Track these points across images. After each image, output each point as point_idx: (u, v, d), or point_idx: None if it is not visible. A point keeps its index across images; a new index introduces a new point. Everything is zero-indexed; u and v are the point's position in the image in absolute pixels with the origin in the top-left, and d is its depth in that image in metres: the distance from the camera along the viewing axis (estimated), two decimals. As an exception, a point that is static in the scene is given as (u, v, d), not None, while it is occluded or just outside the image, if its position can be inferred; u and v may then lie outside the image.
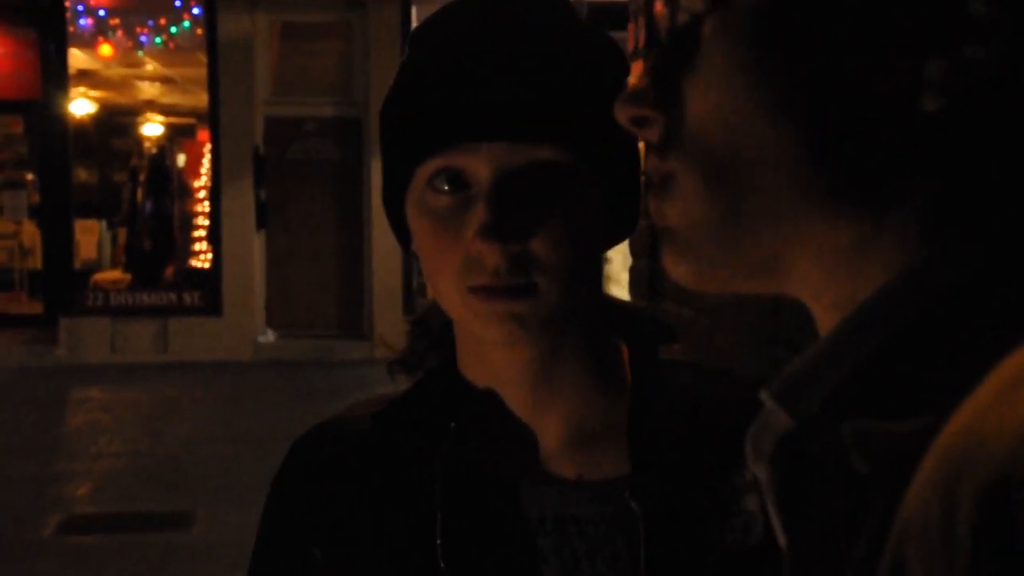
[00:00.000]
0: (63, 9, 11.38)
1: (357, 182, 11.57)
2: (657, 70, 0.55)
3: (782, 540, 0.49)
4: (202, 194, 12.11)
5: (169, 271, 12.09)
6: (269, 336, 11.53)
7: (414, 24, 11.37)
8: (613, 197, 0.93)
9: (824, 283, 0.52)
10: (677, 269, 0.55)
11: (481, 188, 0.89)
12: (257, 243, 11.54)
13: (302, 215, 11.70)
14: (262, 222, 11.51)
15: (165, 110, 13.66)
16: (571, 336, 0.95)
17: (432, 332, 1.03)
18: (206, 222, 11.87)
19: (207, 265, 11.76)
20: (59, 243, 11.64)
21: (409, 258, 11.50)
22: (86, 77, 12.49)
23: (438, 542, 0.93)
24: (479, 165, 0.89)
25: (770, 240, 0.52)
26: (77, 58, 11.81)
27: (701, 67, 0.53)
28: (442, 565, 0.92)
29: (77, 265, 11.88)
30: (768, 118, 0.50)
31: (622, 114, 0.56)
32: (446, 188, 0.90)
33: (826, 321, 0.52)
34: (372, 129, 11.33)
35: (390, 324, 11.30)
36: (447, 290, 0.92)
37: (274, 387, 9.88)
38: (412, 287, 11.56)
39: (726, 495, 0.91)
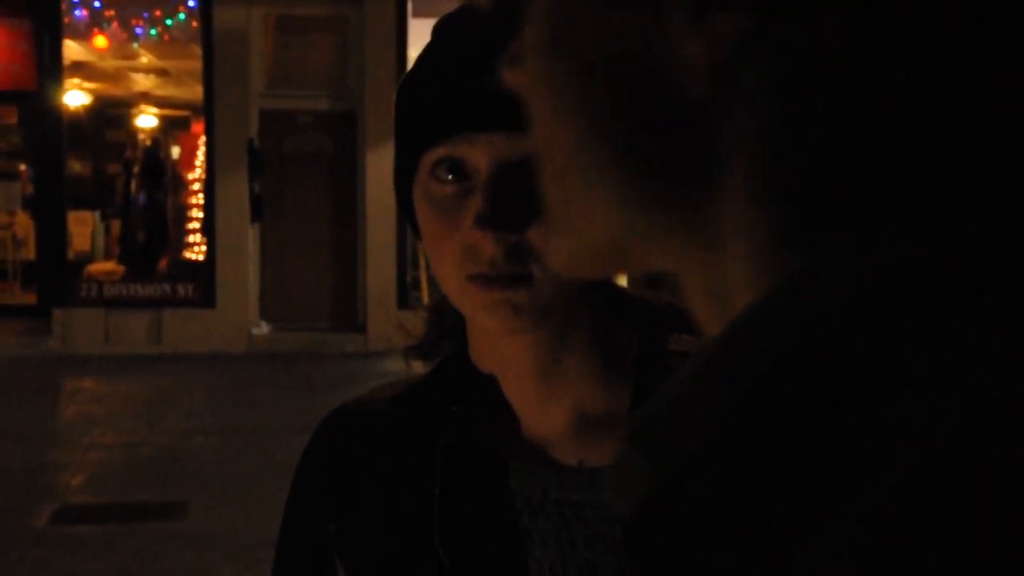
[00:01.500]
0: (58, 0, 11.36)
1: (352, 175, 11.57)
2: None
3: None
4: (196, 186, 12.10)
5: (163, 263, 12.09)
6: (263, 328, 11.54)
7: (410, 17, 11.38)
8: None
9: (682, 272, 0.49)
10: (549, 254, 0.53)
11: (480, 178, 0.90)
12: (251, 235, 11.54)
13: (297, 208, 11.71)
14: (256, 215, 11.50)
15: (159, 102, 13.65)
16: (577, 325, 0.96)
17: (446, 320, 1.04)
18: (200, 214, 11.86)
19: (201, 257, 11.76)
20: (53, 234, 11.64)
21: (404, 251, 11.52)
22: (81, 69, 12.48)
23: (434, 521, 0.95)
24: (478, 155, 0.90)
25: (604, 240, 0.49)
26: (72, 49, 11.80)
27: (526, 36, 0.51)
28: (438, 543, 0.94)
29: (70, 256, 11.88)
30: (562, 106, 0.48)
31: (507, 79, 0.55)
32: (449, 177, 0.91)
33: (699, 314, 0.49)
34: (367, 122, 11.33)
35: (384, 317, 11.31)
36: (447, 278, 0.94)
37: (267, 379, 9.89)
38: (406, 280, 11.57)
39: None
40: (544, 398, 0.97)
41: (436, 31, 0.98)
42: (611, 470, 0.44)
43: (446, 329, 1.05)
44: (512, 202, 0.88)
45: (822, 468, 0.37)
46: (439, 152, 0.91)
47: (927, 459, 0.35)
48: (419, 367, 1.09)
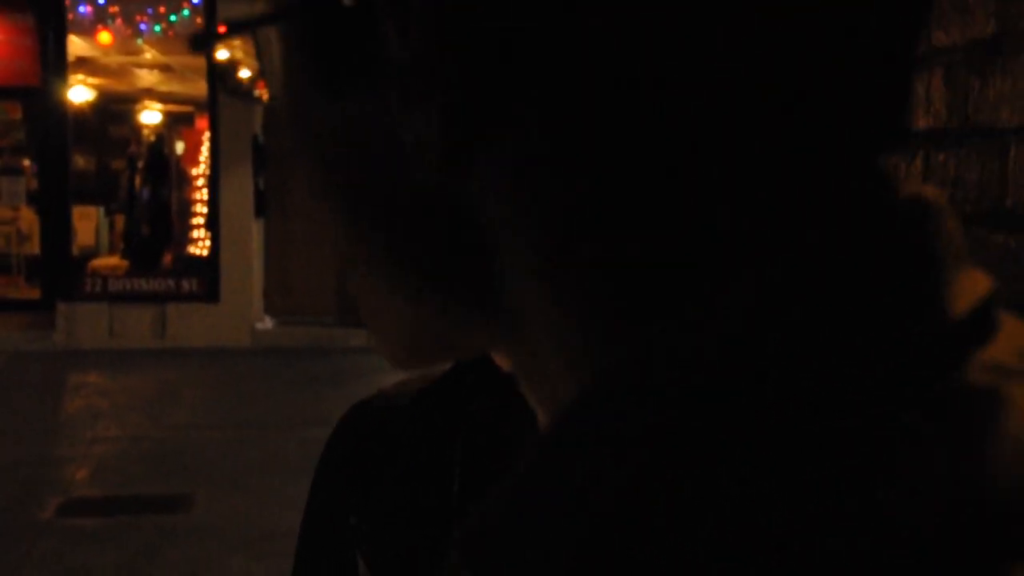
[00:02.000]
0: (63, -4, 11.39)
1: (355, 171, 11.58)
2: None
3: None
4: (200, 182, 12.12)
5: (167, 258, 12.11)
6: (267, 323, 11.56)
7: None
8: None
9: (507, 360, 0.45)
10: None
11: None
12: (255, 230, 11.56)
13: (301, 203, 11.72)
14: (260, 210, 11.52)
15: (164, 98, 13.66)
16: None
17: None
18: (204, 209, 11.89)
19: (205, 252, 11.78)
20: (57, 229, 11.66)
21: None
22: (85, 64, 12.49)
23: (453, 514, 0.96)
24: None
25: (407, 326, 0.44)
26: (76, 45, 11.81)
27: None
28: (456, 536, 0.95)
29: (75, 251, 11.89)
30: (322, 202, 0.45)
31: None
32: None
33: (534, 402, 0.46)
34: (371, 118, 11.34)
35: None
36: None
37: (271, 374, 9.91)
38: (409, 276, 11.58)
39: None
40: (540, 400, 0.99)
41: None
42: None
43: None
44: None
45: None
46: None
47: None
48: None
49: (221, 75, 0.52)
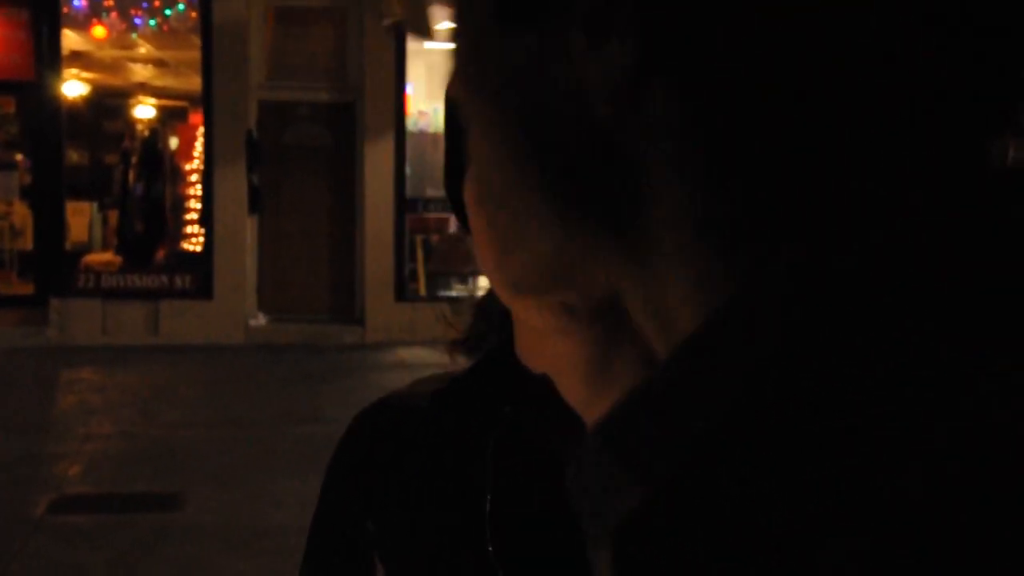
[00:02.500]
0: (57, -10, 11.35)
1: (350, 167, 11.57)
2: None
3: None
4: (194, 177, 12.09)
5: (160, 254, 12.08)
6: (260, 320, 11.54)
7: (409, 10, 11.37)
8: None
9: (625, 292, 0.49)
10: (491, 282, 0.53)
11: None
12: (249, 227, 11.53)
13: (295, 200, 11.70)
14: (254, 206, 11.50)
15: (158, 93, 13.64)
16: (629, 326, 0.95)
17: (492, 315, 1.02)
18: (198, 205, 11.86)
19: (199, 248, 11.76)
20: (50, 224, 11.63)
21: (401, 244, 11.52)
22: (79, 58, 12.46)
23: (486, 524, 0.94)
24: None
25: (538, 264, 0.49)
26: (70, 39, 11.78)
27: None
28: (490, 548, 0.92)
29: (68, 247, 11.87)
30: (486, 137, 0.49)
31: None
32: None
33: (647, 332, 0.50)
34: (366, 114, 11.32)
35: (381, 309, 11.31)
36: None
37: (265, 371, 9.89)
38: (404, 273, 11.57)
39: None
40: (593, 399, 0.96)
41: None
42: (582, 484, 0.44)
43: (493, 324, 1.02)
44: None
45: (820, 471, 0.37)
46: None
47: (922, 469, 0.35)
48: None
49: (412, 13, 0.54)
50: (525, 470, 0.95)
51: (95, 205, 12.87)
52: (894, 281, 0.39)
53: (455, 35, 0.49)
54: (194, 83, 11.97)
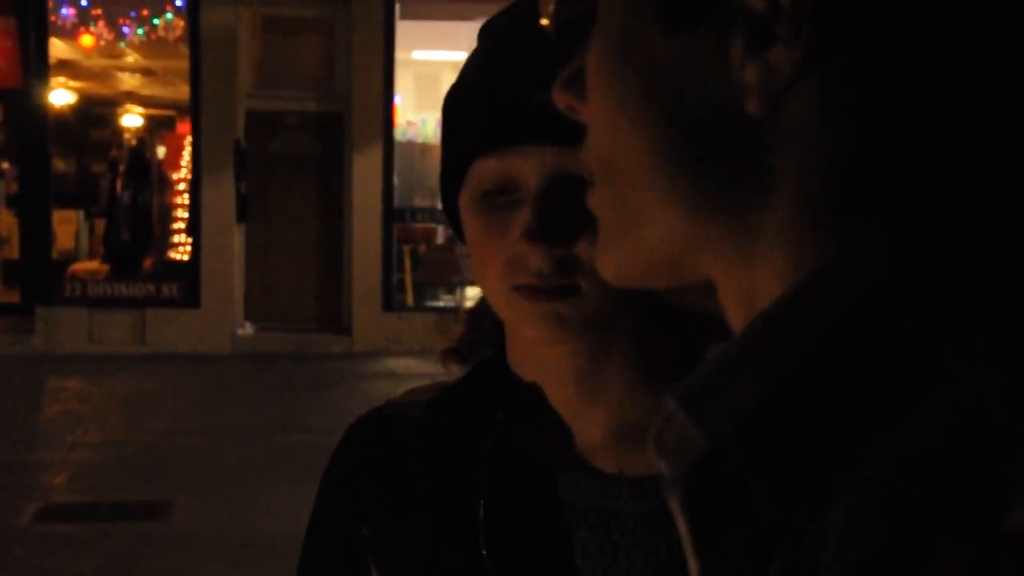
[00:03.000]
0: (45, -2, 11.34)
1: (338, 176, 11.57)
2: (577, 59, 0.56)
3: (693, 565, 0.48)
4: (182, 186, 12.08)
5: (147, 262, 12.06)
6: (247, 329, 11.52)
7: (397, 19, 11.39)
8: None
9: (721, 277, 0.52)
10: (600, 266, 0.56)
11: (529, 190, 0.90)
12: (237, 236, 11.52)
13: (283, 208, 11.70)
14: (242, 215, 11.49)
15: (145, 102, 13.63)
16: (619, 335, 0.95)
17: (485, 324, 1.04)
18: (185, 214, 11.84)
19: (186, 257, 11.74)
20: (36, 233, 11.60)
21: (389, 253, 11.53)
22: (67, 67, 12.44)
23: (480, 530, 0.95)
24: (528, 167, 0.89)
25: (662, 246, 0.52)
26: (58, 48, 11.76)
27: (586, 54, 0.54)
28: (484, 552, 0.94)
29: (54, 255, 11.84)
30: (628, 125, 0.51)
31: (557, 101, 0.58)
32: (498, 188, 0.91)
33: (732, 316, 0.53)
34: (354, 124, 11.33)
35: (369, 319, 11.31)
36: (492, 287, 0.93)
37: (252, 380, 9.88)
38: (392, 282, 11.57)
39: None
40: (583, 407, 0.97)
41: (484, 35, 0.97)
42: (658, 436, 0.49)
43: (485, 333, 1.04)
44: (561, 215, 0.88)
45: (860, 423, 0.42)
46: (489, 162, 0.91)
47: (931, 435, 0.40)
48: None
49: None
50: (517, 476, 0.96)
51: (82, 213, 12.85)
52: (964, 275, 0.44)
53: (598, 34, 0.53)
54: (182, 92, 11.96)
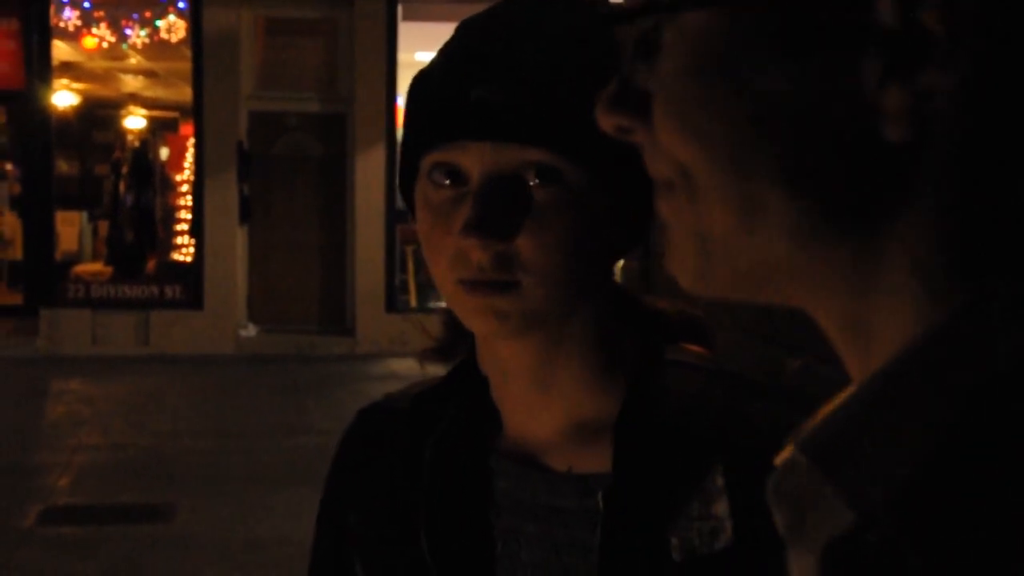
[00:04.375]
0: (47, 1, 11.34)
1: (341, 178, 11.57)
2: (625, 77, 0.54)
3: None
4: (185, 188, 12.08)
5: (151, 264, 12.07)
6: (250, 330, 11.52)
7: (399, 20, 11.39)
8: (619, 204, 0.92)
9: (826, 312, 0.50)
10: (679, 272, 0.54)
11: (472, 185, 0.91)
12: (240, 237, 11.53)
13: (285, 210, 11.70)
14: (245, 216, 11.49)
15: (148, 103, 13.63)
16: (573, 332, 0.96)
17: (460, 326, 1.04)
18: (188, 216, 11.85)
19: (189, 259, 11.74)
20: (40, 234, 11.60)
21: (392, 254, 11.52)
22: (69, 69, 12.45)
23: (421, 518, 0.97)
24: (470, 162, 0.90)
25: (754, 271, 0.50)
26: (60, 50, 11.77)
27: (660, 73, 0.51)
28: (423, 543, 0.96)
29: (58, 257, 11.85)
30: (726, 151, 0.49)
31: (604, 123, 0.55)
32: (445, 182, 0.92)
33: (841, 350, 0.50)
34: (357, 125, 11.33)
35: (372, 320, 11.31)
36: (440, 281, 0.94)
37: (255, 381, 9.88)
38: (395, 283, 11.57)
39: (698, 499, 0.91)
40: (536, 402, 0.98)
41: (456, 30, 0.98)
42: (778, 483, 0.46)
43: (461, 333, 1.05)
44: (500, 210, 0.89)
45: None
46: (436, 156, 0.92)
47: None
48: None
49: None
50: (462, 471, 0.99)
51: (85, 215, 12.86)
52: None
53: (678, 55, 0.50)
54: (184, 94, 11.97)
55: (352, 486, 1.06)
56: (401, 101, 11.93)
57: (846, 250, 0.47)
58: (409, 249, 11.83)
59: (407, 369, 10.23)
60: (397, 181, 1.02)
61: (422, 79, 0.97)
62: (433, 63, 0.96)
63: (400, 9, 11.45)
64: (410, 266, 11.84)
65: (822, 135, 0.46)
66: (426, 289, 11.82)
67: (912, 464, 0.42)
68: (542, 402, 0.98)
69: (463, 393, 1.02)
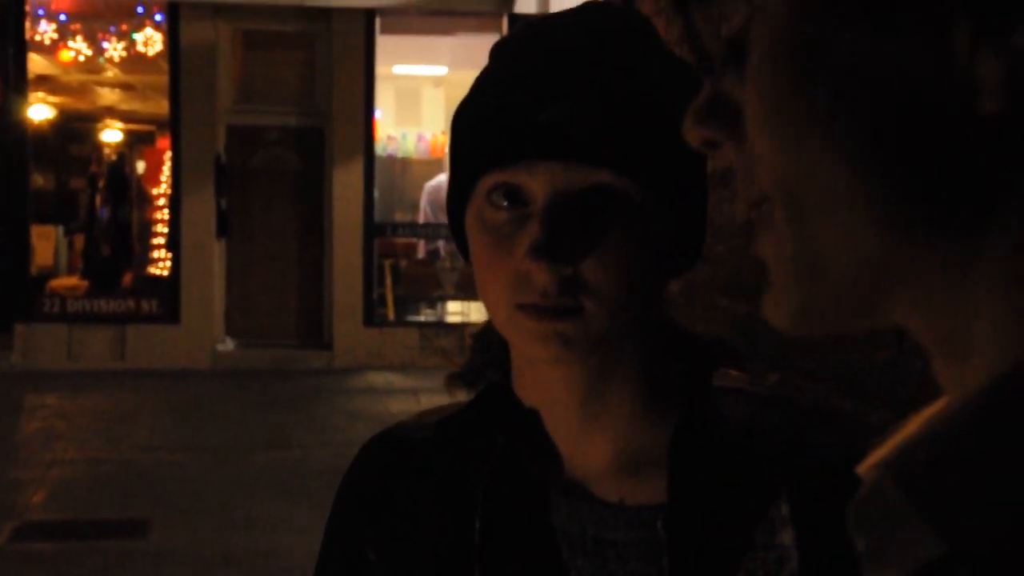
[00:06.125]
0: (23, 13, 11.29)
1: (319, 192, 11.55)
2: (714, 86, 0.51)
3: None
4: (161, 201, 12.04)
5: (127, 278, 12.01)
6: (228, 345, 11.48)
7: (377, 34, 11.40)
8: (678, 226, 0.92)
9: (925, 320, 0.47)
10: (773, 312, 0.50)
11: (536, 207, 0.89)
12: (217, 251, 11.49)
13: (263, 224, 11.67)
14: (222, 230, 11.46)
15: (125, 117, 13.58)
16: (623, 359, 0.95)
17: (492, 347, 1.03)
18: (165, 230, 11.80)
19: (166, 273, 11.69)
20: (15, 248, 11.53)
21: (370, 268, 11.51)
22: (45, 82, 12.39)
23: (475, 556, 0.94)
24: (536, 184, 0.89)
25: (858, 279, 0.47)
26: (37, 63, 11.72)
27: (748, 76, 0.48)
28: None
29: (33, 271, 11.77)
30: (820, 141, 0.45)
31: (692, 137, 0.52)
32: (504, 204, 0.90)
33: (938, 364, 0.47)
34: (334, 139, 11.32)
35: (350, 334, 11.28)
36: (496, 305, 0.92)
37: (232, 396, 9.83)
38: (373, 297, 11.55)
39: (762, 528, 0.90)
40: (586, 431, 0.96)
41: (495, 54, 0.97)
42: (860, 507, 0.44)
43: (491, 357, 1.03)
44: (568, 234, 0.87)
45: None
46: (497, 177, 0.90)
47: None
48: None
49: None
50: (514, 502, 0.96)
51: (61, 229, 12.77)
52: None
53: (772, 48, 0.47)
54: (161, 107, 11.93)
55: (371, 521, 1.02)
56: (379, 114, 11.96)
57: (950, 249, 0.44)
58: (387, 263, 11.82)
59: (385, 383, 10.22)
60: (446, 205, 1.00)
61: (472, 102, 0.95)
62: (482, 86, 0.95)
63: (378, 22, 11.45)
64: (388, 280, 11.82)
65: (919, 117, 0.43)
66: (404, 303, 11.81)
67: (1011, 499, 0.39)
68: (590, 431, 0.96)
69: (506, 423, 0.98)
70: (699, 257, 0.97)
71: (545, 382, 0.97)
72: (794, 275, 0.48)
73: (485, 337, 1.04)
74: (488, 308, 0.94)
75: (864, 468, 0.47)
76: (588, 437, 0.96)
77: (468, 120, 0.95)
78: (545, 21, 0.96)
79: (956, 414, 0.43)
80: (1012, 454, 0.40)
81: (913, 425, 0.47)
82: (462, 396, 1.03)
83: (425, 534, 0.98)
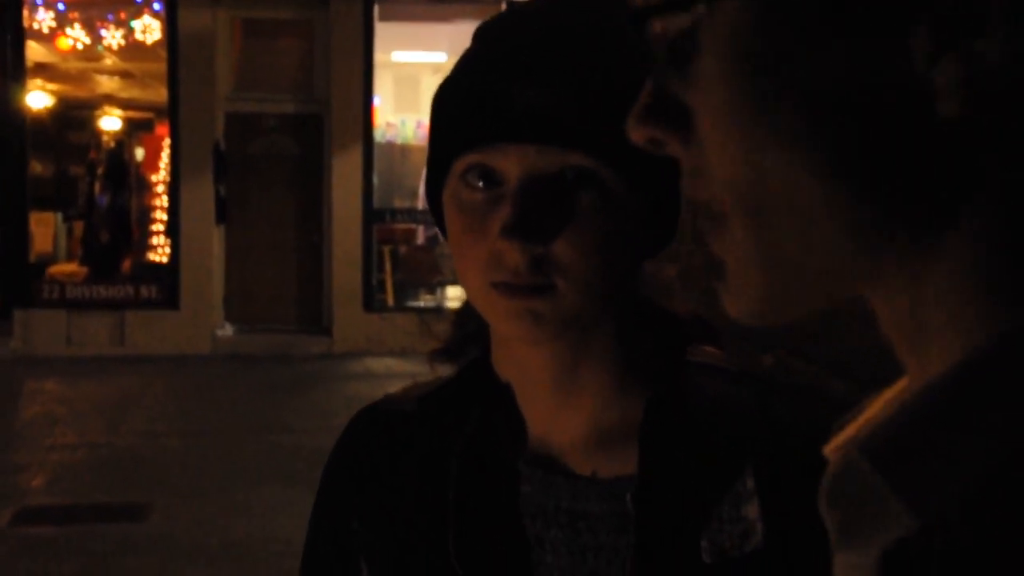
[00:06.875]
0: (21, 2, 11.28)
1: (318, 178, 11.56)
2: (659, 86, 0.51)
3: None
4: (160, 188, 12.04)
5: (126, 264, 12.02)
6: (227, 330, 11.49)
7: (376, 21, 11.39)
8: (652, 207, 0.93)
9: (886, 311, 0.48)
10: (732, 305, 0.51)
11: (510, 187, 0.90)
12: (216, 237, 11.50)
13: (262, 210, 11.68)
14: (221, 217, 11.47)
15: (123, 104, 13.57)
16: (597, 336, 0.96)
17: (471, 324, 1.05)
18: (164, 216, 11.81)
19: (165, 259, 11.71)
20: (14, 235, 11.55)
21: (369, 254, 11.52)
22: (44, 70, 12.38)
23: (449, 528, 0.96)
24: (509, 165, 0.90)
25: (817, 277, 0.48)
26: (35, 51, 11.71)
27: (698, 81, 0.48)
28: (451, 548, 0.95)
29: (32, 258, 11.79)
30: (774, 140, 0.46)
31: (636, 136, 0.53)
32: (479, 184, 0.92)
33: (900, 351, 0.49)
34: (333, 125, 11.32)
35: (349, 319, 11.30)
36: (472, 284, 0.94)
37: (231, 381, 9.85)
38: (372, 283, 11.56)
39: (728, 501, 0.92)
40: (560, 407, 0.98)
41: (477, 36, 0.98)
42: (832, 485, 0.45)
43: (471, 333, 1.05)
44: (540, 213, 0.89)
45: None
46: (471, 158, 0.92)
47: None
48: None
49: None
50: (488, 475, 0.98)
51: (60, 216, 12.78)
52: None
53: (715, 57, 0.47)
54: (160, 95, 11.93)
55: (356, 492, 1.04)
56: (378, 101, 11.96)
57: (905, 248, 0.45)
58: (386, 249, 11.83)
59: (384, 368, 10.23)
60: (423, 188, 1.01)
61: (450, 84, 0.97)
62: (460, 68, 0.97)
63: (376, 9, 11.45)
64: (387, 266, 11.83)
65: (880, 122, 0.44)
66: (403, 288, 11.82)
67: (983, 473, 0.40)
68: (565, 407, 0.98)
69: (483, 397, 1.01)
70: (673, 238, 0.98)
71: (520, 359, 0.99)
72: (753, 273, 0.49)
73: (465, 313, 1.06)
74: (464, 286, 0.96)
75: (831, 448, 0.49)
76: (562, 413, 0.98)
77: (446, 101, 0.96)
78: (529, 5, 0.97)
79: (925, 396, 0.44)
80: (981, 432, 0.41)
81: (877, 405, 0.49)
82: (446, 370, 1.06)
83: (405, 505, 1.00)
